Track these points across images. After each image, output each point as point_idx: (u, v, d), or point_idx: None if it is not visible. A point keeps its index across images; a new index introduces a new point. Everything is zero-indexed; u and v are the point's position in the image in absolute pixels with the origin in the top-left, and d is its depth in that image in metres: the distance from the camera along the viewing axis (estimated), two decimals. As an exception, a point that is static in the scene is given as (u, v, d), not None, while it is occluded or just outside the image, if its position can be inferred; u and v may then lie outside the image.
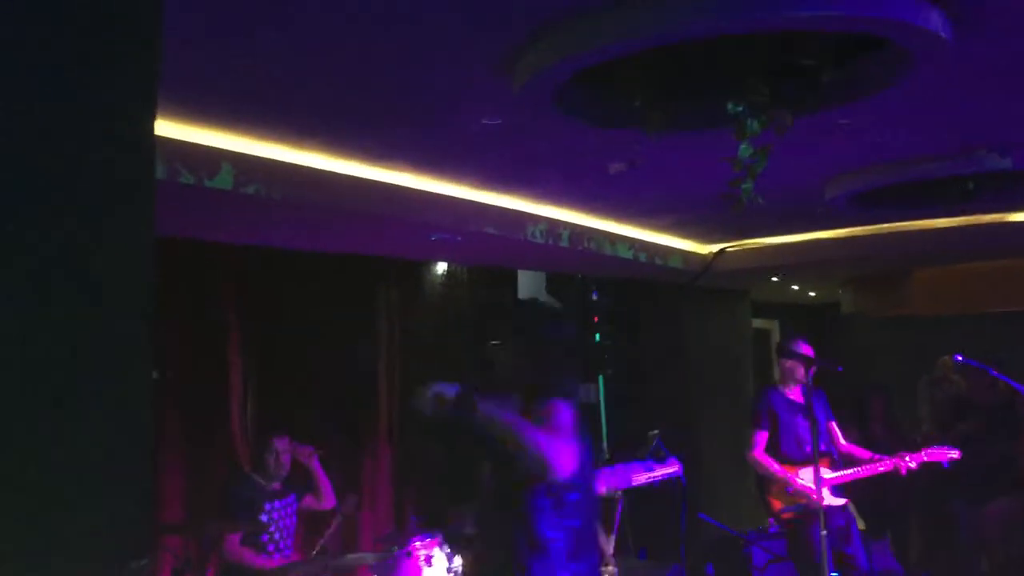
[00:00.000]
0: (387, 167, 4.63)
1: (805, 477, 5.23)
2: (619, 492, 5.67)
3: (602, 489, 5.50)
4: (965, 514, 6.35)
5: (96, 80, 1.07)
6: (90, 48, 1.06)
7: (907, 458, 5.35)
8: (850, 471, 5.39)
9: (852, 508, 5.57)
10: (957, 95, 3.87)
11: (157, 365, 4.77)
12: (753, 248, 7.72)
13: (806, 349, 5.28)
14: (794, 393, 5.51)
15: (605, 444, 7.89)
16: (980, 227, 6.77)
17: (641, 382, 8.37)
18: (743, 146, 3.21)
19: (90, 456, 1.04)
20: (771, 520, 6.04)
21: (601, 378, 8.03)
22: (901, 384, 8.11)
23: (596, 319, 7.88)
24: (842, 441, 5.61)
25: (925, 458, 5.41)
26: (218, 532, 4.82)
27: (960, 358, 5.64)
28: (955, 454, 5.46)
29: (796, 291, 10.46)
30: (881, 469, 5.37)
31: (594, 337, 7.87)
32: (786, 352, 5.40)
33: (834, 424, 5.62)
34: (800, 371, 5.22)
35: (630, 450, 6.42)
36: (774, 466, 5.40)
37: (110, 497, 1.05)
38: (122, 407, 1.08)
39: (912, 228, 7.02)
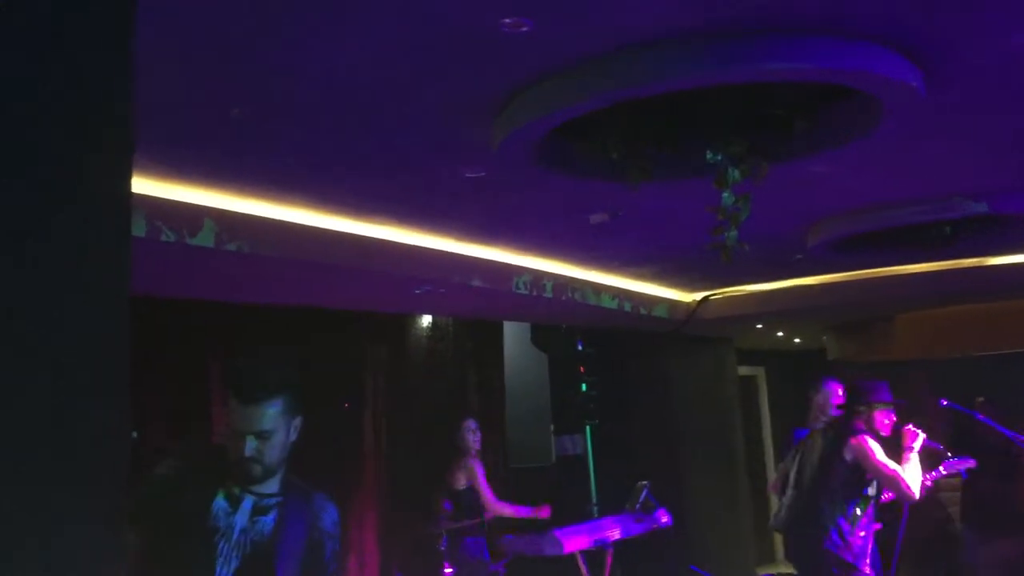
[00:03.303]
0: (370, 221, 4.65)
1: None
2: (609, 545, 5.61)
3: (591, 542, 5.45)
4: (971, 544, 6.37)
5: (71, 142, 1.07)
6: (64, 111, 1.06)
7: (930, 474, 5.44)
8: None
9: None
10: (930, 143, 3.93)
11: (137, 426, 4.71)
12: (736, 296, 7.75)
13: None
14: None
15: (594, 495, 7.83)
16: (960, 271, 6.84)
17: (629, 432, 8.33)
18: (725, 194, 3.25)
19: (53, 535, 1.01)
20: None
21: (588, 429, 8.00)
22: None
23: (582, 369, 7.87)
24: None
25: (944, 472, 5.53)
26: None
27: (945, 403, 5.65)
28: (971, 463, 5.54)
29: (781, 338, 10.48)
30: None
31: (580, 387, 7.85)
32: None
33: None
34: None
35: (619, 501, 6.37)
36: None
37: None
38: (97, 478, 1.06)
39: (893, 273, 7.07)
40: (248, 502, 2.46)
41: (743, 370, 10.91)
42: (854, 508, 4.75)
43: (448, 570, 5.59)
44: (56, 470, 1.06)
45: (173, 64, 2.70)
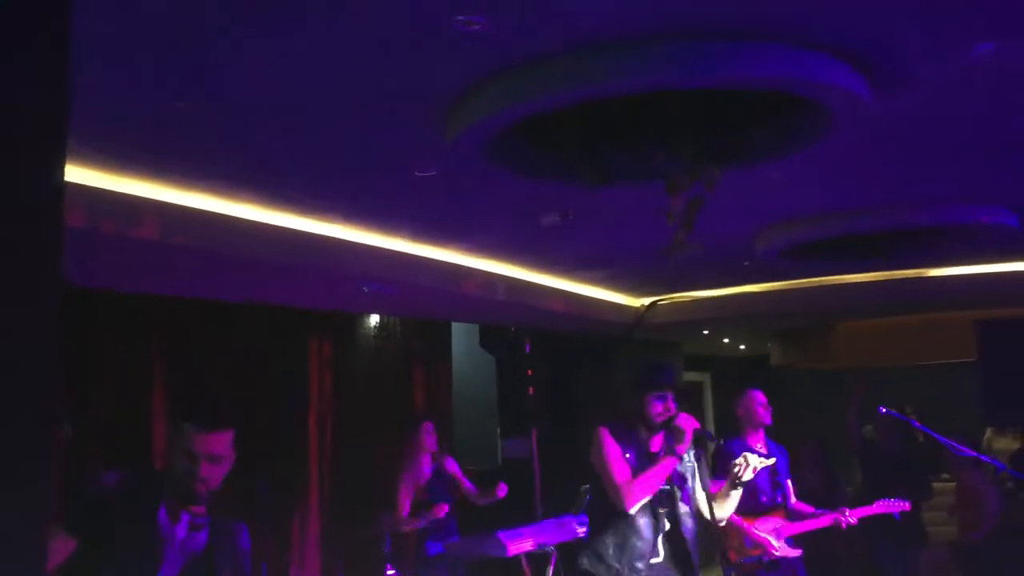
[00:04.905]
0: (319, 218, 4.59)
1: (762, 528, 5.16)
2: (551, 548, 5.61)
3: (535, 544, 5.45)
4: (891, 559, 6.42)
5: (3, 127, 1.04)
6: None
7: (847, 512, 5.32)
8: (802, 522, 5.33)
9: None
10: (877, 153, 4.01)
11: (78, 420, 4.59)
12: (684, 301, 7.83)
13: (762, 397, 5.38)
14: (755, 440, 5.39)
15: (538, 498, 7.83)
16: (901, 281, 6.99)
17: (575, 436, 8.34)
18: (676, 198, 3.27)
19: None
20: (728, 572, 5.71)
21: (535, 432, 8.00)
22: (830, 435, 8.23)
23: (530, 372, 7.87)
24: (793, 499, 5.48)
25: (876, 511, 5.43)
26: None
27: (884, 410, 5.74)
28: (905, 506, 5.49)
29: (727, 344, 10.61)
30: (822, 524, 5.32)
31: (527, 390, 7.85)
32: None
33: (789, 480, 5.50)
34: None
35: (564, 504, 6.38)
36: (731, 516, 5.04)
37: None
38: (15, 472, 1.02)
39: (836, 282, 7.21)
40: (185, 517, 2.69)
41: (690, 375, 11.02)
42: (644, 528, 3.83)
43: (390, 572, 5.54)
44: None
45: (120, 58, 2.63)
